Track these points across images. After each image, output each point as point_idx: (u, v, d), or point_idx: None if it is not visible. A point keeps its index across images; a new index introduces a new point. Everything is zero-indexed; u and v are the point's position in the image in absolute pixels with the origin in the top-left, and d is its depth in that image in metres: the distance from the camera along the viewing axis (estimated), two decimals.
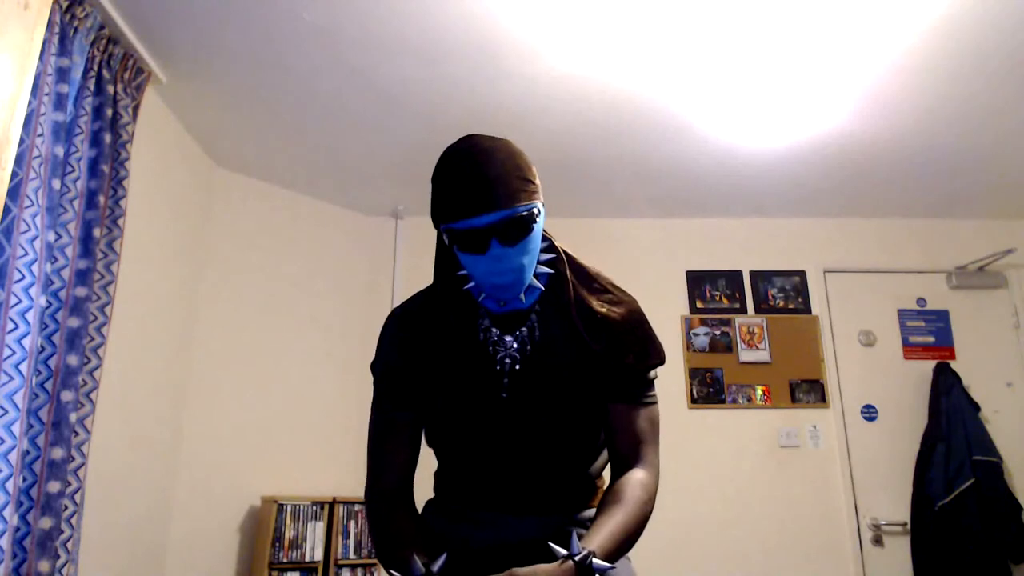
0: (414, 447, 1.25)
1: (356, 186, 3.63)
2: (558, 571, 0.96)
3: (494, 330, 1.21)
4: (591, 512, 1.24)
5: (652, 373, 1.24)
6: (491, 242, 1.08)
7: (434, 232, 1.22)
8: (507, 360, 1.19)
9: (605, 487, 1.32)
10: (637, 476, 1.17)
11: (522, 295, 1.18)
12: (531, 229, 1.11)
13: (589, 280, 1.25)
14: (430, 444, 1.30)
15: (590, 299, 1.21)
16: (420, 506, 1.31)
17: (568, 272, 1.22)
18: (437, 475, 1.34)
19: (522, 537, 1.18)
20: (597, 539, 1.04)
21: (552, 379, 1.19)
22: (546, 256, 1.21)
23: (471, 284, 1.21)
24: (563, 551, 0.99)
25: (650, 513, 1.15)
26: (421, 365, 1.22)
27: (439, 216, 1.12)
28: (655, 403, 1.24)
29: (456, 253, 1.14)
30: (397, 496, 1.21)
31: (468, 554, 1.19)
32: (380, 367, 1.27)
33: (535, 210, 1.12)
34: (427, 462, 1.33)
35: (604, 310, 1.20)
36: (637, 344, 1.21)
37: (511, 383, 1.19)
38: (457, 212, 1.08)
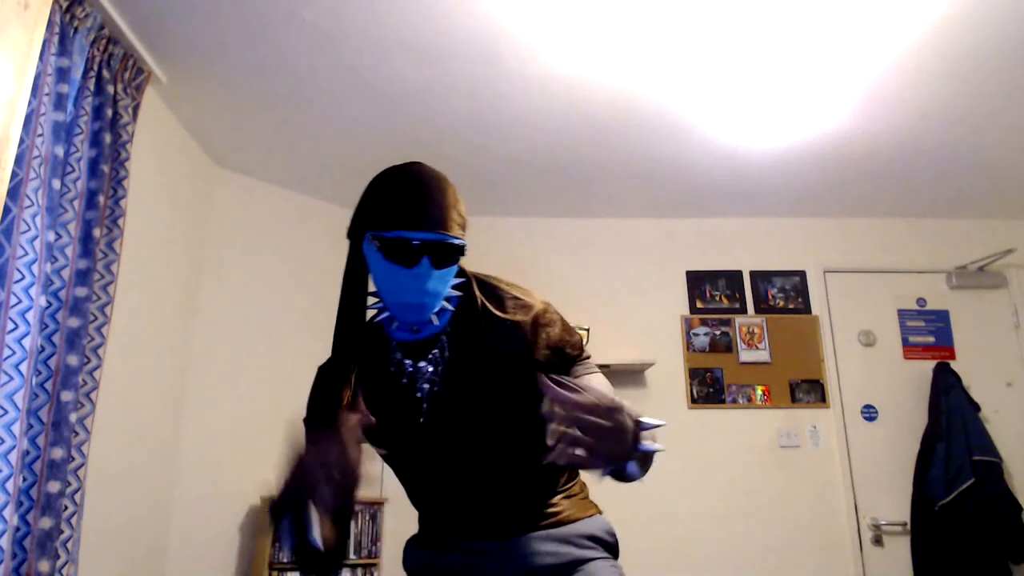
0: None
1: (356, 186, 3.59)
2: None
3: (407, 361, 1.22)
4: (575, 527, 1.24)
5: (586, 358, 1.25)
6: (423, 259, 1.11)
7: None
8: (425, 385, 1.20)
9: (586, 492, 1.32)
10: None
11: (435, 318, 1.19)
12: (456, 260, 1.16)
13: (496, 292, 1.26)
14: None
15: (497, 311, 1.22)
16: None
17: (475, 289, 1.24)
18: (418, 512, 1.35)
19: (523, 563, 1.18)
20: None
21: (471, 392, 1.19)
22: (456, 280, 1.22)
23: (382, 315, 1.21)
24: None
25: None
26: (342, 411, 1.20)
27: (377, 221, 1.14)
28: (596, 372, 1.25)
29: (375, 265, 1.16)
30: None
31: None
32: (309, 425, 1.24)
33: (465, 246, 1.16)
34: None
35: (512, 317, 1.21)
36: (550, 341, 1.21)
37: (433, 406, 1.20)
38: (403, 221, 1.11)
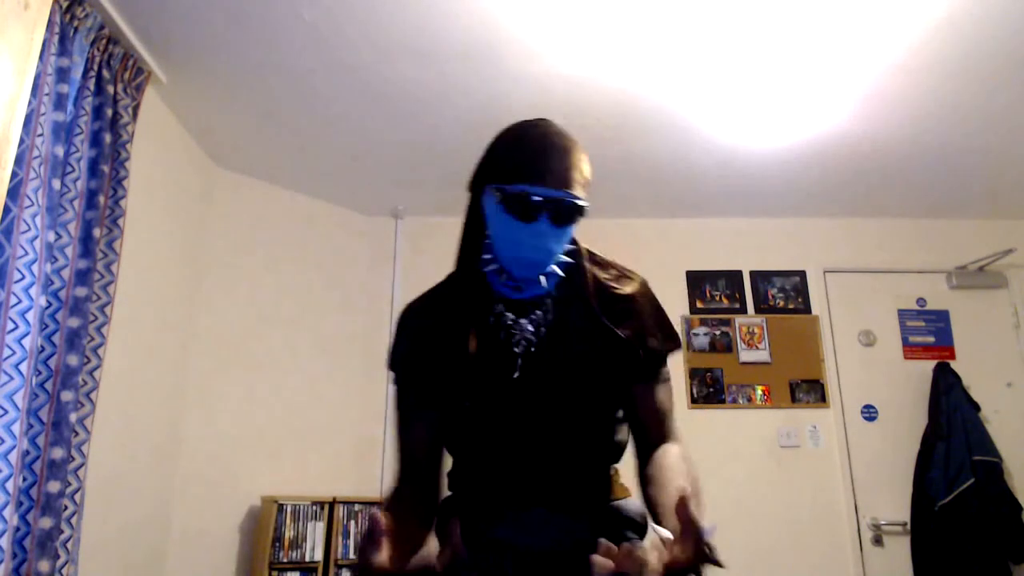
0: (440, 444, 1.25)
1: (356, 186, 3.63)
2: (677, 549, 0.85)
3: (508, 314, 1.21)
4: (624, 503, 1.25)
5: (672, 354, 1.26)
6: (542, 215, 1.10)
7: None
8: (523, 342, 1.19)
9: (619, 473, 1.32)
10: (671, 449, 1.18)
11: (543, 279, 1.19)
12: (576, 220, 1.15)
13: (604, 266, 1.27)
14: (445, 439, 1.29)
15: (607, 282, 1.24)
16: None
17: (585, 259, 1.25)
18: (452, 473, 1.32)
19: (568, 539, 1.16)
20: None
21: (568, 361, 1.19)
22: (567, 247, 1.22)
23: (491, 267, 1.21)
24: (664, 532, 0.91)
25: (696, 480, 1.14)
26: (435, 354, 1.22)
27: (499, 174, 1.14)
28: (670, 377, 1.26)
29: (494, 218, 1.15)
30: (418, 504, 1.19)
31: (506, 554, 1.18)
32: (396, 363, 1.27)
33: (586, 206, 1.15)
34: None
35: (621, 289, 1.23)
36: (657, 327, 1.23)
37: (525, 364, 1.19)
38: (526, 175, 1.10)
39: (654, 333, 1.22)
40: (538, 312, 1.21)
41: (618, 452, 1.28)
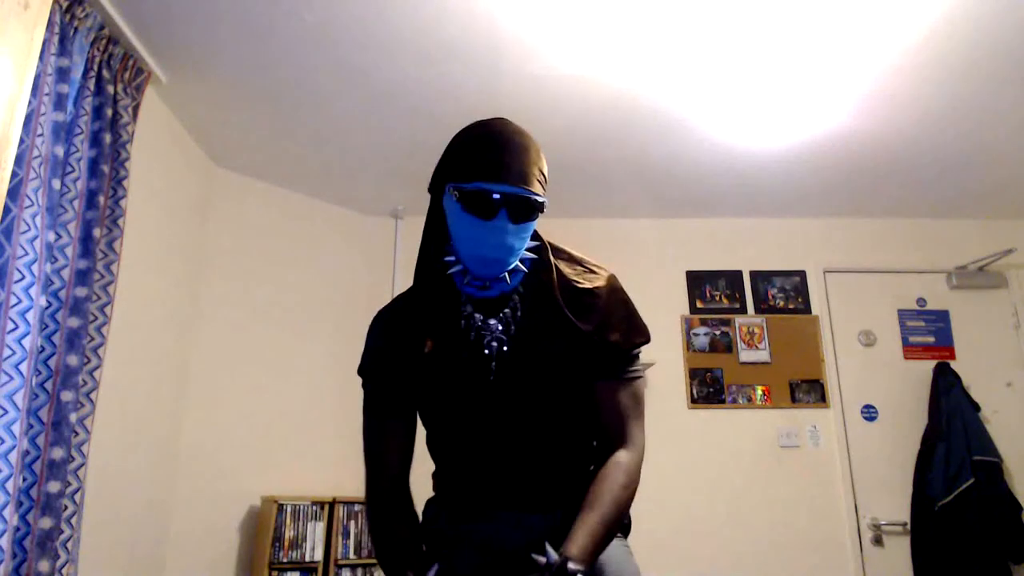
0: (407, 450, 1.26)
1: (356, 186, 3.63)
2: None
3: (477, 315, 1.21)
4: None
5: (636, 350, 1.25)
6: (500, 211, 1.10)
7: None
8: (494, 343, 1.19)
9: None
10: (618, 459, 1.18)
11: (507, 276, 1.18)
12: (535, 217, 1.15)
13: (572, 262, 1.27)
14: (427, 442, 1.30)
15: (572, 278, 1.23)
16: (419, 504, 1.31)
17: (551, 256, 1.24)
18: (436, 475, 1.33)
19: (533, 536, 1.17)
20: (575, 542, 1.04)
21: (539, 358, 1.19)
22: (530, 243, 1.22)
23: (456, 268, 1.20)
24: (541, 559, 0.99)
25: (632, 495, 1.17)
26: (406, 362, 1.22)
27: (458, 173, 1.14)
28: (639, 378, 1.25)
29: (453, 217, 1.15)
30: (395, 502, 1.22)
31: (486, 553, 1.19)
32: (366, 371, 1.28)
33: (545, 203, 1.15)
34: (425, 459, 1.34)
35: (587, 284, 1.22)
36: (621, 322, 1.22)
37: (499, 365, 1.19)
38: (482, 173, 1.11)
39: (618, 328, 1.21)
40: (506, 310, 1.20)
41: (590, 438, 1.28)
